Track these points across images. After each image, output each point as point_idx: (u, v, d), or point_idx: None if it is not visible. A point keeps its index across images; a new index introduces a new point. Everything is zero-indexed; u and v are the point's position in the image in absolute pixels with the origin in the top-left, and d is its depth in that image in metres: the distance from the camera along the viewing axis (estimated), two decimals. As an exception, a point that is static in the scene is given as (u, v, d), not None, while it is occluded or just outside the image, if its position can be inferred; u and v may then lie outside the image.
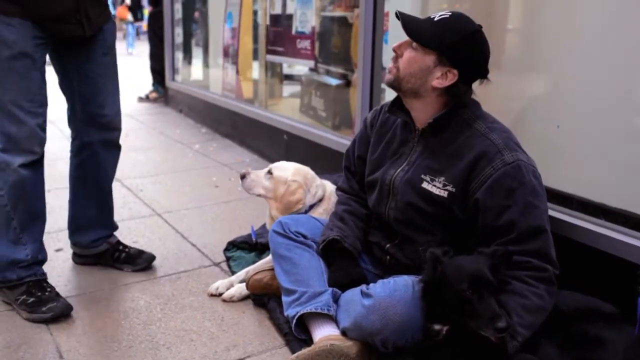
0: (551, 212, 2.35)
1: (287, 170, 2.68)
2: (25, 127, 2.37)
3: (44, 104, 2.44)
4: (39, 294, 2.49)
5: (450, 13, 2.08)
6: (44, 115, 2.44)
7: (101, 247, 2.91)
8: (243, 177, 2.70)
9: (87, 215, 2.87)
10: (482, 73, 2.09)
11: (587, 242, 2.30)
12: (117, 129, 2.77)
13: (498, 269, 1.88)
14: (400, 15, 2.13)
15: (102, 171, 2.81)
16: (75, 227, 2.89)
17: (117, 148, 2.83)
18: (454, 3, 3.27)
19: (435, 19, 2.06)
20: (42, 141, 2.45)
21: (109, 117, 2.71)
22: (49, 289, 2.53)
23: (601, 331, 1.94)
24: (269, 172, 2.68)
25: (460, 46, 2.01)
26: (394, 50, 2.13)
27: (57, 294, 2.54)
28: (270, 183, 2.66)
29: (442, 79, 2.04)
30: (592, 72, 2.41)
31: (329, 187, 2.75)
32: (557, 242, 2.05)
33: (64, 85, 2.67)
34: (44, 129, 2.44)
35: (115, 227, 3.00)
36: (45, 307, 2.44)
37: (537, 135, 2.59)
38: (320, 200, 2.67)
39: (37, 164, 2.47)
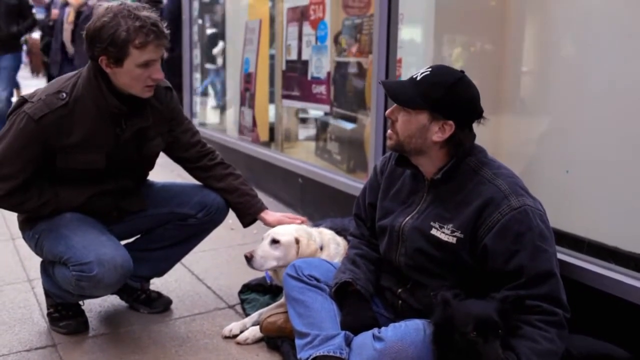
0: (562, 256, 2.37)
1: (289, 231, 2.65)
2: None
3: None
4: (64, 311, 2.77)
5: (430, 69, 2.14)
6: None
7: (136, 284, 2.95)
8: (250, 258, 2.58)
9: (156, 254, 2.89)
10: (477, 115, 2.13)
11: (600, 287, 2.30)
12: (217, 213, 2.88)
13: (508, 315, 1.89)
14: (383, 84, 2.21)
15: (201, 234, 2.95)
16: (135, 255, 2.65)
17: (220, 222, 2.94)
18: (469, 46, 3.34)
19: (418, 79, 2.12)
20: None
21: (200, 214, 2.83)
22: (73, 310, 2.77)
23: (613, 376, 1.94)
24: (274, 242, 2.61)
25: (448, 98, 2.06)
26: (388, 117, 2.20)
27: (79, 313, 2.80)
28: (280, 251, 2.59)
29: (440, 132, 2.09)
30: (600, 117, 2.45)
31: (326, 234, 2.78)
32: (569, 285, 2.06)
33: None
34: None
35: (161, 276, 3.06)
36: (63, 323, 2.75)
37: (546, 180, 2.62)
38: (321, 249, 2.68)
39: None
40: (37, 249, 2.64)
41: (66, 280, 2.49)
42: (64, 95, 2.43)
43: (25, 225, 2.65)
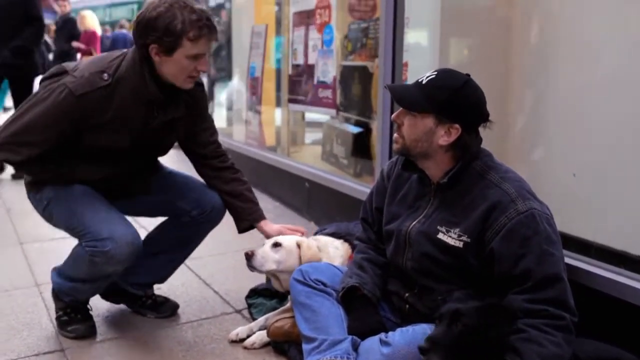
0: (569, 260, 2.36)
1: (290, 238, 2.67)
2: None
3: None
4: (72, 315, 2.78)
5: (436, 72, 2.14)
6: None
7: (139, 292, 2.96)
8: (250, 256, 2.58)
9: (153, 260, 2.89)
10: (483, 118, 2.14)
11: (608, 291, 2.29)
12: (213, 213, 2.87)
13: (490, 314, 1.89)
14: (389, 88, 2.22)
15: (198, 236, 2.95)
16: (134, 265, 2.67)
17: (216, 224, 2.93)
18: (475, 50, 3.33)
19: (424, 82, 2.12)
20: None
21: (194, 212, 2.83)
22: (81, 313, 2.79)
23: (622, 381, 1.93)
24: (276, 245, 2.62)
25: (454, 102, 2.06)
26: (394, 121, 2.20)
27: (87, 318, 2.80)
28: (281, 255, 2.60)
29: (446, 136, 2.09)
30: (608, 120, 2.44)
31: (322, 240, 2.78)
32: (576, 289, 2.05)
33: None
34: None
35: (162, 282, 3.06)
36: (71, 327, 2.76)
37: (554, 183, 2.62)
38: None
39: None
40: (44, 213, 2.67)
41: (80, 258, 2.54)
42: (107, 76, 2.45)
43: (33, 187, 2.67)
